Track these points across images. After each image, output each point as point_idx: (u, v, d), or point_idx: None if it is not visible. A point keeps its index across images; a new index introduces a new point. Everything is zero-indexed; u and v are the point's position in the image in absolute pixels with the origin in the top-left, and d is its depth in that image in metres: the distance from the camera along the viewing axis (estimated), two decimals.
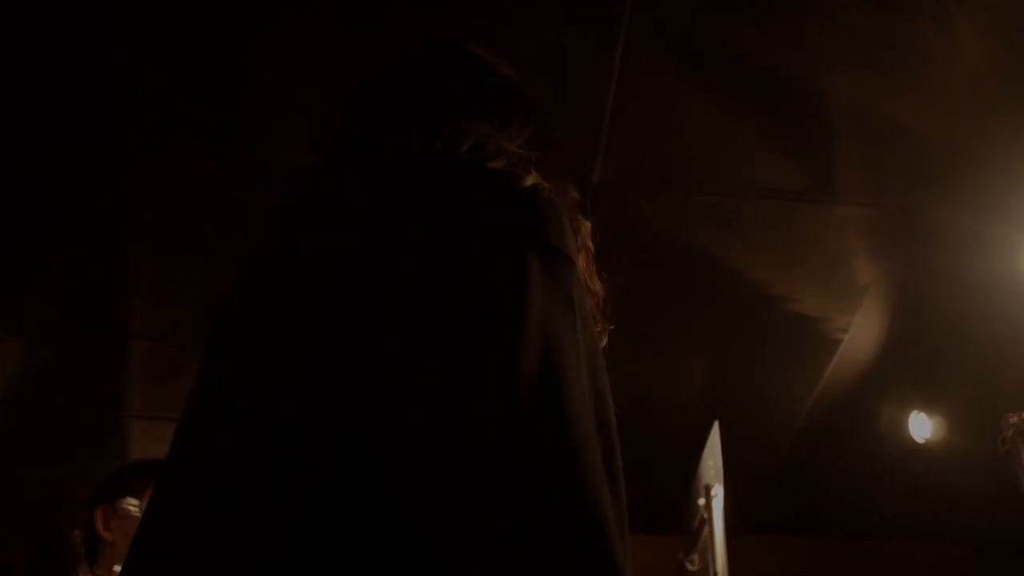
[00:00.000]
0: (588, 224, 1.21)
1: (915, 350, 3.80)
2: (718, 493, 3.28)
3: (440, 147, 1.09)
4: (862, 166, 3.02)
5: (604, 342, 1.15)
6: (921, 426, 3.99)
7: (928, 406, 3.99)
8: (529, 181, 1.00)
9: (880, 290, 3.50)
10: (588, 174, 3.01)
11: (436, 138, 1.10)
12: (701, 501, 3.36)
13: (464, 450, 0.77)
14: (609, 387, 0.93)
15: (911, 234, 3.25)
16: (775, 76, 2.74)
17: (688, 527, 3.61)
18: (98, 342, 3.91)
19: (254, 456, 0.84)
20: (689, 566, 3.60)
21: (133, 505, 2.33)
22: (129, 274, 3.54)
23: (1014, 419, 3.47)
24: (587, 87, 2.79)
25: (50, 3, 2.58)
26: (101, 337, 3.88)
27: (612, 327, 1.19)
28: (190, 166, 3.06)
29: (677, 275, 3.46)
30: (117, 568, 2.23)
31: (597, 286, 1.17)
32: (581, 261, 1.07)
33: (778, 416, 4.20)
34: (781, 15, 2.59)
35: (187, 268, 3.50)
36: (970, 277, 3.34)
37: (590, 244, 1.19)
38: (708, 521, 3.28)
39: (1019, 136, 2.87)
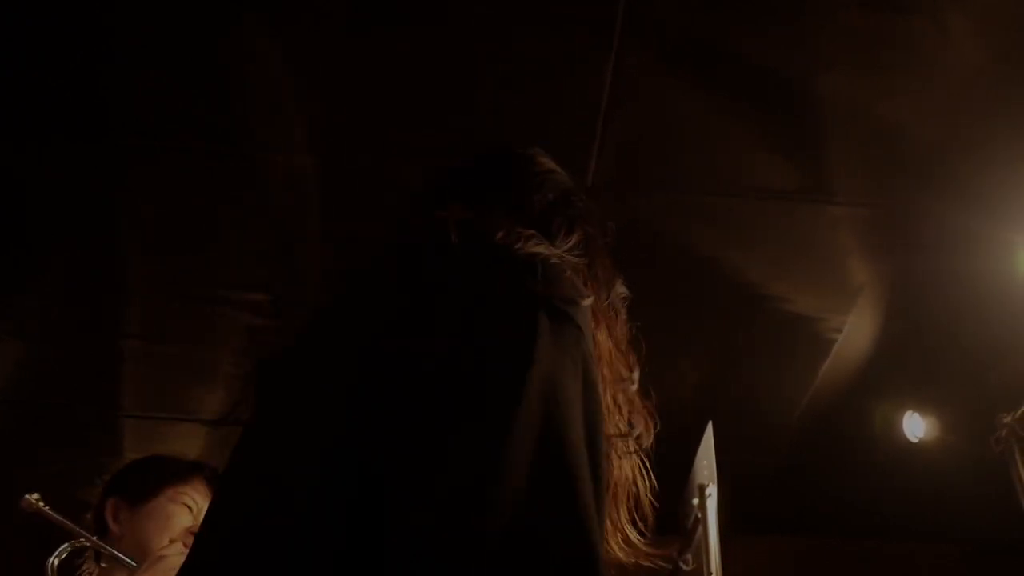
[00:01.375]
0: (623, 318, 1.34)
1: (909, 350, 3.80)
2: (712, 493, 3.28)
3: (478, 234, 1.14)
4: (857, 166, 3.03)
5: (635, 382, 1.25)
6: (915, 426, 3.99)
7: (922, 406, 3.99)
8: (537, 248, 1.08)
9: (875, 290, 3.51)
10: (583, 174, 3.02)
11: (475, 227, 1.15)
12: (695, 501, 3.35)
13: (464, 485, 0.81)
14: (603, 441, 0.97)
15: (906, 234, 3.26)
16: (770, 76, 2.75)
17: (682, 527, 3.61)
18: (95, 342, 3.91)
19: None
20: (683, 566, 3.60)
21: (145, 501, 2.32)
22: (126, 274, 3.54)
23: (1008, 419, 3.48)
24: (582, 87, 2.80)
25: (50, 3, 2.59)
26: (98, 337, 3.88)
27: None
28: (189, 166, 3.07)
29: (672, 275, 3.46)
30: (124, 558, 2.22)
31: (625, 376, 1.24)
32: (607, 339, 1.18)
33: (772, 416, 4.21)
34: (776, 15, 2.60)
35: (185, 268, 3.50)
36: (965, 277, 3.35)
37: (622, 346, 1.29)
38: (702, 521, 3.27)
39: (1014, 136, 2.88)
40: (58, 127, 2.93)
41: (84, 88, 2.81)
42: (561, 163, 1.42)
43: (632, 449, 1.22)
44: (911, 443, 4.00)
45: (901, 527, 4.74)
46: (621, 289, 1.36)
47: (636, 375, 1.26)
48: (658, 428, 1.26)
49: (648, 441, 1.25)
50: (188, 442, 4.38)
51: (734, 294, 3.54)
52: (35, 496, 2.28)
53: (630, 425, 1.22)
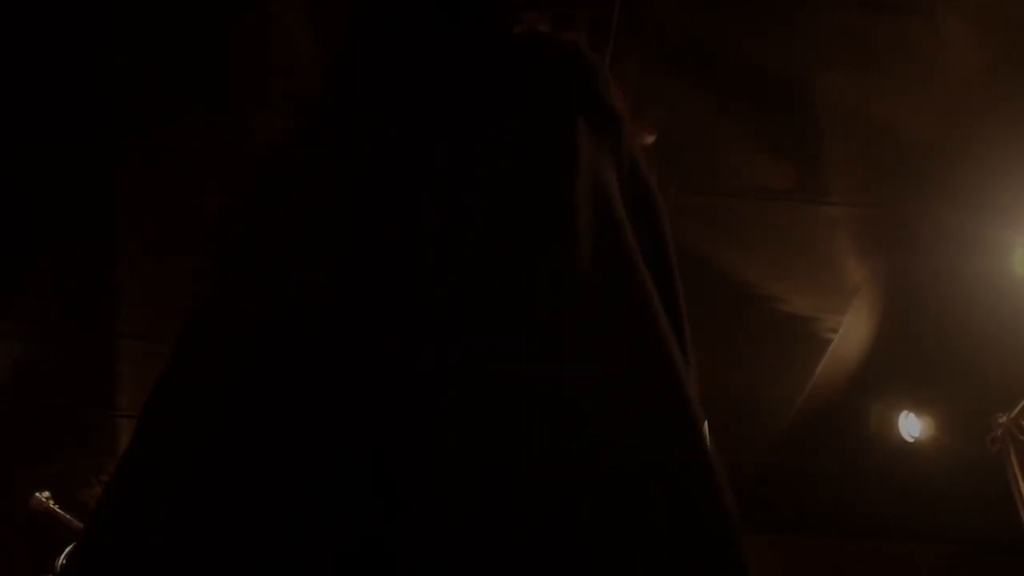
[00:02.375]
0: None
1: (905, 350, 3.81)
2: None
3: (465, 20, 1.09)
4: (854, 166, 3.03)
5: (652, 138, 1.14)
6: (911, 426, 4.00)
7: (918, 406, 4.00)
8: (566, 39, 1.03)
9: (870, 290, 3.52)
10: None
11: (457, 14, 1.10)
12: None
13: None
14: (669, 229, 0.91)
15: (902, 234, 3.26)
16: (767, 76, 2.75)
17: None
18: (93, 342, 3.91)
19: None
20: None
21: None
22: (125, 274, 3.54)
23: (1003, 419, 3.50)
24: None
25: (50, 3, 2.59)
26: (96, 337, 3.88)
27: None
28: (188, 166, 3.07)
29: None
30: None
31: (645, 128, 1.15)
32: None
33: (768, 416, 4.21)
34: (774, 15, 2.60)
35: (182, 268, 3.50)
36: (961, 277, 3.35)
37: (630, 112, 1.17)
38: None
39: (1010, 136, 2.88)
40: (58, 127, 2.93)
41: (81, 88, 2.81)
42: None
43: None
44: (907, 443, 4.00)
45: (897, 527, 4.74)
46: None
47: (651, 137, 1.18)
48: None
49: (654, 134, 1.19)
50: None
51: (730, 294, 3.54)
52: (45, 495, 2.28)
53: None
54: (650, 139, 1.17)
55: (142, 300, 3.65)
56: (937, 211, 3.11)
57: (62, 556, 2.26)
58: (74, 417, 4.33)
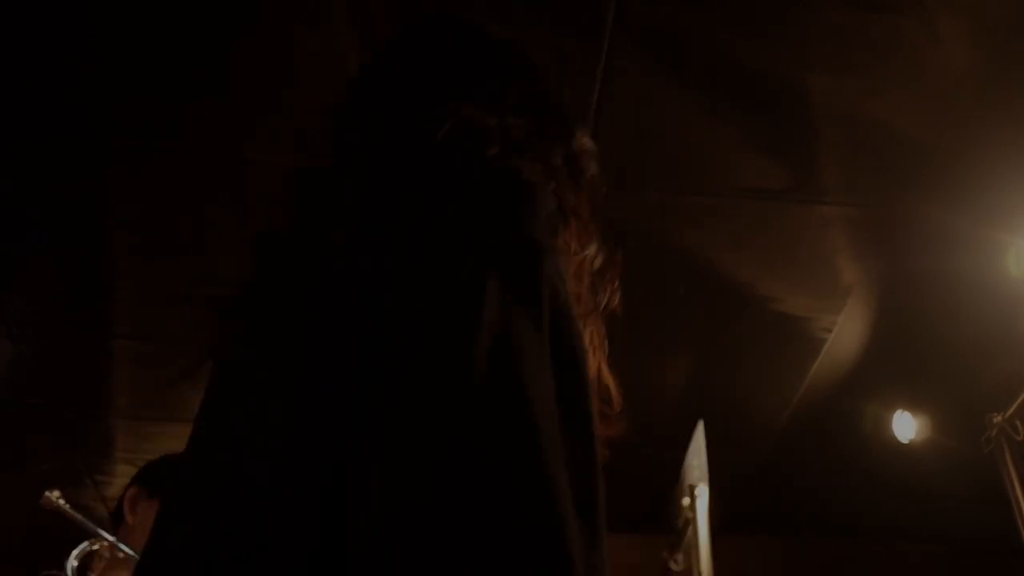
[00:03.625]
0: (584, 192, 1.19)
1: (899, 350, 3.81)
2: (702, 493, 3.28)
3: (422, 130, 1.06)
4: (846, 166, 3.03)
5: (616, 301, 1.16)
6: (905, 426, 3.99)
7: (912, 406, 3.99)
8: (507, 164, 0.98)
9: (864, 290, 3.52)
10: None
11: (417, 122, 1.07)
12: (686, 501, 3.36)
13: (421, 462, 0.76)
14: (588, 377, 0.90)
15: (896, 234, 3.26)
16: (759, 76, 2.75)
17: (672, 527, 3.61)
18: (85, 342, 3.91)
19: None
20: (673, 566, 3.60)
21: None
22: (116, 275, 3.54)
23: (998, 418, 3.50)
24: (573, 88, 2.79)
25: (35, 3, 2.58)
26: (88, 338, 3.87)
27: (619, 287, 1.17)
28: (178, 166, 3.06)
29: (661, 275, 3.46)
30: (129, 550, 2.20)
31: (592, 250, 1.13)
32: (569, 237, 1.05)
33: (762, 416, 4.21)
34: (766, 16, 2.60)
35: (175, 269, 3.49)
36: (954, 277, 3.35)
37: (584, 212, 1.15)
38: (692, 521, 3.28)
39: (1003, 136, 2.88)
40: (49, 127, 2.92)
41: (68, 88, 2.81)
42: (565, 124, 1.35)
43: (597, 311, 1.13)
44: (901, 443, 4.00)
45: (891, 527, 4.75)
46: (584, 141, 1.22)
47: (595, 249, 1.15)
48: (619, 296, 1.17)
49: (615, 303, 1.18)
50: (179, 443, 4.36)
51: (724, 294, 3.54)
52: (56, 494, 2.26)
53: (593, 291, 1.13)
54: (599, 258, 1.13)
55: (132, 300, 3.65)
56: (930, 211, 3.11)
57: (72, 556, 2.25)
58: (65, 418, 4.32)
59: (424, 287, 0.86)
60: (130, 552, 2.18)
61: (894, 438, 4.02)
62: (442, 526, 0.72)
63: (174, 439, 4.35)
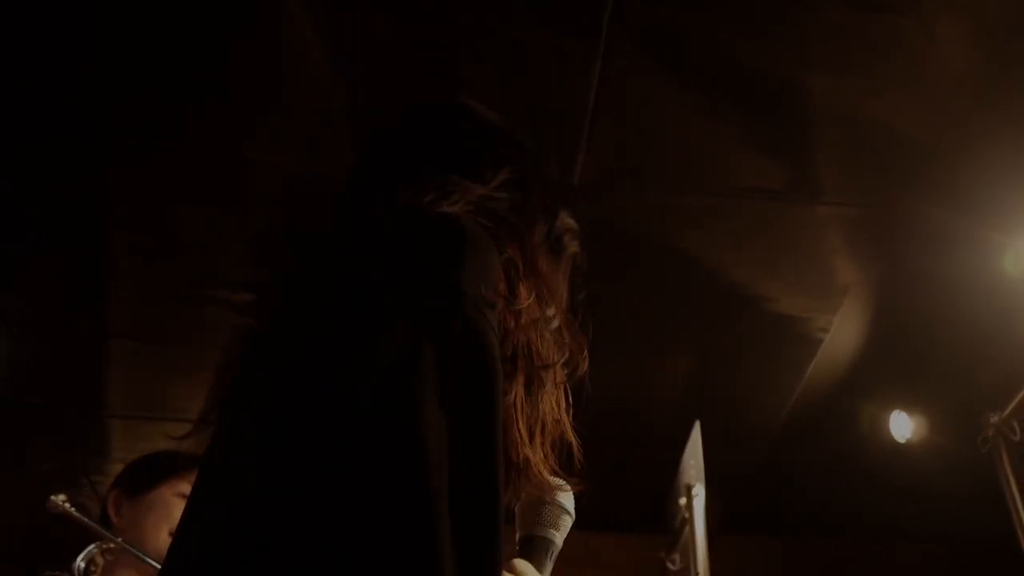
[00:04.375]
0: (561, 265, 1.29)
1: (896, 349, 3.81)
2: (699, 493, 3.29)
3: (404, 199, 1.12)
4: (843, 166, 3.03)
5: (584, 368, 1.18)
6: (902, 425, 4.00)
7: (909, 405, 4.00)
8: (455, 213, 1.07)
9: (861, 290, 3.52)
10: (571, 174, 3.02)
11: (404, 191, 1.13)
12: (682, 501, 3.37)
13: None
14: (495, 412, 0.93)
15: (892, 234, 3.26)
16: (756, 76, 2.75)
17: (669, 527, 3.62)
18: (82, 342, 3.91)
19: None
20: (670, 566, 3.61)
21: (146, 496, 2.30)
22: (114, 274, 3.53)
23: (994, 418, 3.50)
24: (569, 87, 2.80)
25: (35, 3, 2.58)
26: (85, 337, 3.87)
27: (584, 335, 1.20)
28: (176, 167, 3.06)
29: (658, 275, 3.47)
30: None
31: (551, 312, 1.16)
32: (526, 291, 1.09)
33: (759, 416, 4.22)
34: (764, 16, 2.60)
35: (173, 268, 3.49)
36: (951, 277, 3.35)
37: (549, 276, 1.20)
38: (689, 521, 3.29)
39: (1002, 136, 2.88)
40: (47, 127, 2.92)
41: (67, 88, 2.80)
42: (549, 163, 1.41)
43: (561, 380, 1.17)
44: (898, 443, 4.01)
45: (888, 527, 4.75)
46: (568, 221, 1.30)
47: (553, 311, 1.17)
48: (586, 361, 1.20)
49: (583, 368, 1.21)
50: (178, 443, 4.36)
51: (721, 294, 3.54)
52: (61, 497, 2.26)
53: (562, 354, 1.15)
54: (555, 321, 1.16)
55: (130, 300, 3.64)
56: (928, 211, 3.11)
57: (79, 559, 2.24)
58: (61, 417, 4.32)
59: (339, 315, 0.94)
60: (139, 555, 2.18)
61: (891, 438, 4.02)
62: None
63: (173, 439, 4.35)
